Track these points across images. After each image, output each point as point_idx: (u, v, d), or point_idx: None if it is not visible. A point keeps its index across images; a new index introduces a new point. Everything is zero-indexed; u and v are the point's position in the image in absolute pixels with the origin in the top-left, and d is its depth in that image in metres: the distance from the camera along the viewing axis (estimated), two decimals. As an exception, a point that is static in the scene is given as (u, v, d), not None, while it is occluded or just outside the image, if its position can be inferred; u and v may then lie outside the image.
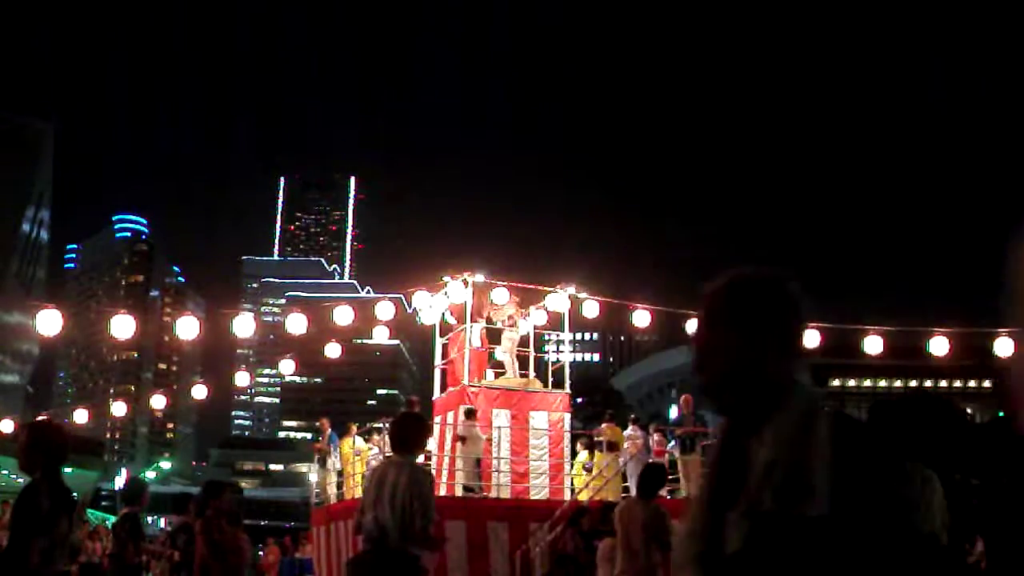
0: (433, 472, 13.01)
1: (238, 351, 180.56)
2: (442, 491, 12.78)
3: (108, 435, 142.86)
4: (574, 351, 14.95)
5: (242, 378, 49.39)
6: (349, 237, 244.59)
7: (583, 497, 13.01)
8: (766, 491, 1.59)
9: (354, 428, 15.27)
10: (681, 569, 1.74)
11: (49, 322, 13.07)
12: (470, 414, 12.88)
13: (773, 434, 1.64)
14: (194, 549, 9.23)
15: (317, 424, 18.83)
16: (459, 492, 12.71)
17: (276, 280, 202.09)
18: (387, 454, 13.30)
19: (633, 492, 12.98)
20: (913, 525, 1.60)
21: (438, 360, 15.31)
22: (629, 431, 14.68)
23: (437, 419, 14.05)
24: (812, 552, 1.54)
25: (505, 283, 14.42)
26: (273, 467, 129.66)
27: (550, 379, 14.67)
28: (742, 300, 1.73)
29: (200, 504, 7.81)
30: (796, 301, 1.75)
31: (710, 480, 1.77)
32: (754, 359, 1.69)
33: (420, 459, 5.53)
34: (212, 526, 7.50)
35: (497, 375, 14.52)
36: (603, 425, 14.64)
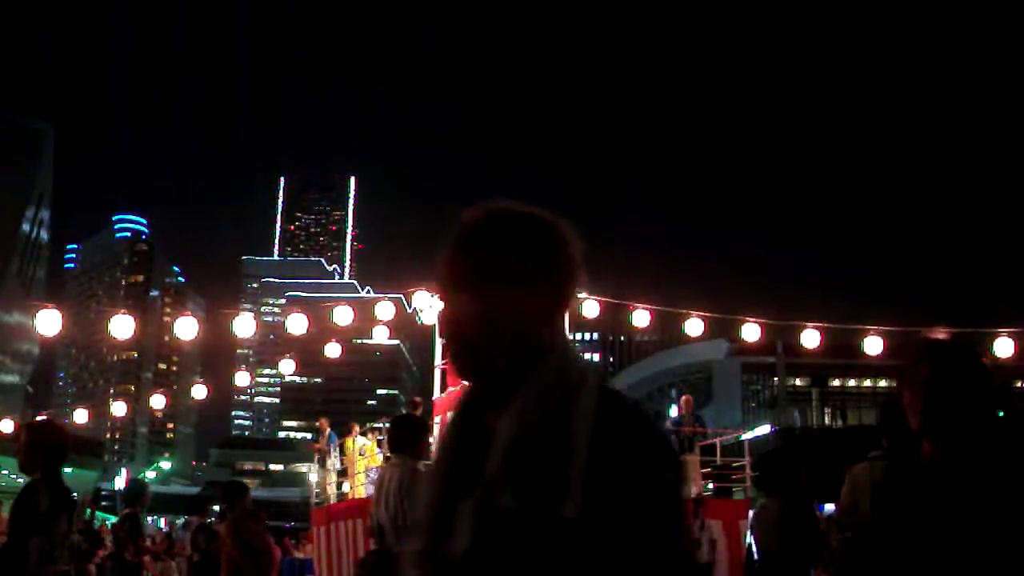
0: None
1: (238, 351, 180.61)
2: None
3: (108, 435, 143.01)
4: (574, 351, 14.88)
5: (242, 378, 49.34)
6: (349, 237, 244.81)
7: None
8: (505, 482, 1.25)
9: (356, 428, 15.28)
10: (407, 565, 1.40)
11: (49, 322, 13.06)
12: None
13: (521, 409, 1.29)
14: (214, 549, 9.21)
15: (316, 424, 18.82)
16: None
17: (276, 280, 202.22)
18: (387, 455, 13.33)
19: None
20: (675, 535, 1.26)
21: (438, 360, 15.30)
22: None
23: (437, 419, 14.03)
24: (553, 563, 1.21)
25: (505, 283, 14.41)
26: (273, 467, 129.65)
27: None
28: (496, 238, 1.37)
29: (223, 504, 7.67)
30: (565, 244, 1.39)
31: (443, 461, 1.41)
32: (504, 313, 1.33)
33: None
34: (241, 526, 7.44)
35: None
36: None
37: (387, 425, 14.88)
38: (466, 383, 1.42)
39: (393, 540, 4.73)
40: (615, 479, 1.23)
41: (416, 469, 4.95)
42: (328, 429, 15.98)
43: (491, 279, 1.35)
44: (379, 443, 14.65)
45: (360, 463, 14.29)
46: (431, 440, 5.25)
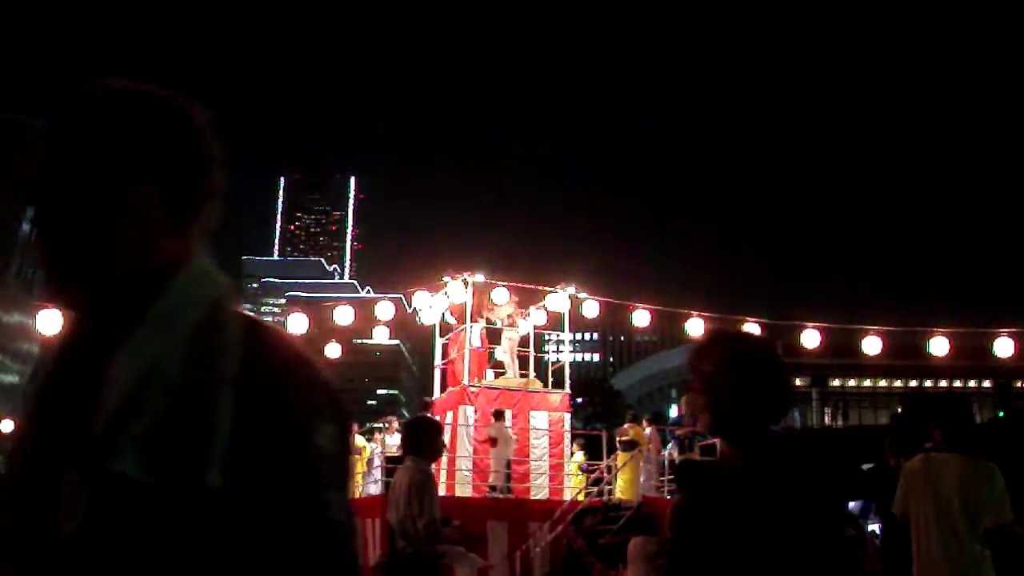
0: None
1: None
2: (441, 491, 12.76)
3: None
4: (574, 351, 14.93)
5: (242, 378, 49.42)
6: (349, 237, 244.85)
7: (580, 497, 13.02)
8: (122, 442, 0.93)
9: (355, 427, 15.27)
10: None
11: (49, 322, 13.03)
12: (499, 415, 12.90)
13: (141, 345, 0.97)
14: None
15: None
16: (459, 492, 12.70)
17: (276, 280, 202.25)
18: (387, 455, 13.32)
19: (649, 491, 13.01)
20: (332, 505, 0.99)
21: (438, 360, 15.31)
22: (647, 432, 14.71)
23: (436, 419, 14.05)
24: (191, 543, 0.93)
25: (505, 283, 14.42)
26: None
27: (550, 379, 14.67)
28: (102, 123, 1.05)
29: None
30: (195, 134, 1.09)
31: (36, 417, 1.07)
32: (114, 218, 1.02)
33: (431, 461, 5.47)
34: None
35: (497, 375, 14.53)
36: (626, 425, 14.58)
37: (386, 424, 14.91)
38: (72, 310, 1.09)
39: (402, 542, 4.72)
40: (269, 437, 0.96)
41: (426, 471, 4.93)
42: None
43: (93, 172, 1.02)
44: (376, 441, 14.69)
45: (358, 463, 14.29)
46: (444, 442, 5.23)
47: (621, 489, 13.43)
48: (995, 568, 4.09)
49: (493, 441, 12.75)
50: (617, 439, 14.13)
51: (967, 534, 4.10)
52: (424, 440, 5.04)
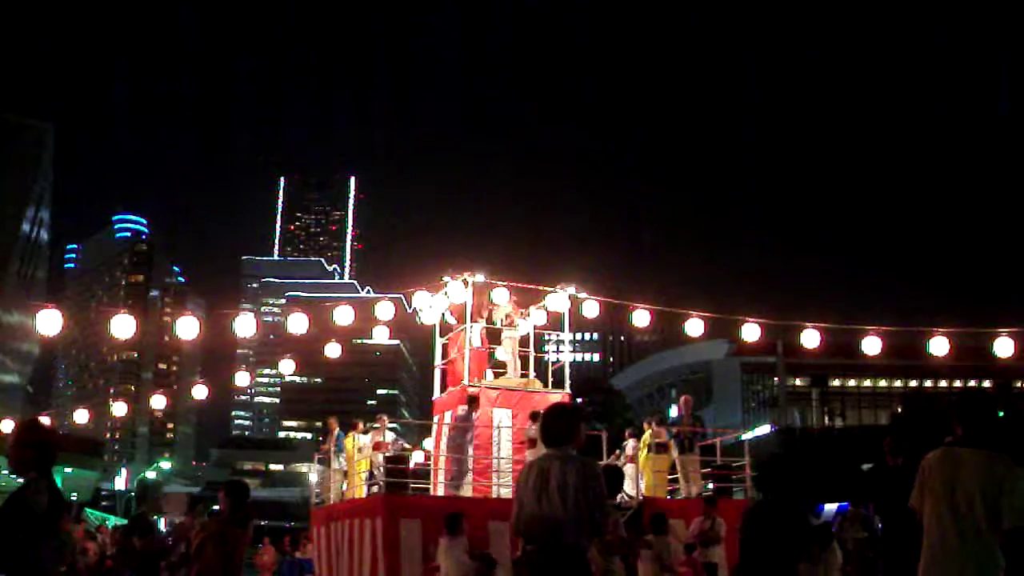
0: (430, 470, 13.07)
1: (238, 351, 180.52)
2: (439, 491, 12.77)
3: (108, 435, 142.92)
4: (574, 351, 14.91)
5: (242, 378, 49.43)
6: (349, 237, 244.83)
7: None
8: None
9: (360, 425, 15.25)
10: None
11: (49, 322, 13.04)
12: (536, 417, 12.88)
13: None
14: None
15: (321, 424, 18.81)
16: (465, 492, 12.68)
17: (276, 280, 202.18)
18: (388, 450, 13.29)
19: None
20: None
21: (438, 360, 15.31)
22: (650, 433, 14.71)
23: (435, 418, 14.08)
24: None
25: (505, 283, 14.43)
26: (273, 467, 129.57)
27: (550, 379, 14.67)
28: None
29: (231, 505, 7.41)
30: None
31: None
32: None
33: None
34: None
35: (497, 375, 14.52)
36: (656, 427, 14.52)
37: (376, 425, 14.86)
38: None
39: (573, 536, 4.53)
40: None
41: (590, 461, 4.73)
42: (336, 429, 15.89)
43: None
44: (373, 439, 14.70)
45: (361, 464, 14.27)
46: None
47: (648, 488, 13.50)
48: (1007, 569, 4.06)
49: (532, 442, 12.67)
50: (650, 441, 14.04)
51: (985, 528, 4.06)
52: (567, 430, 4.76)
